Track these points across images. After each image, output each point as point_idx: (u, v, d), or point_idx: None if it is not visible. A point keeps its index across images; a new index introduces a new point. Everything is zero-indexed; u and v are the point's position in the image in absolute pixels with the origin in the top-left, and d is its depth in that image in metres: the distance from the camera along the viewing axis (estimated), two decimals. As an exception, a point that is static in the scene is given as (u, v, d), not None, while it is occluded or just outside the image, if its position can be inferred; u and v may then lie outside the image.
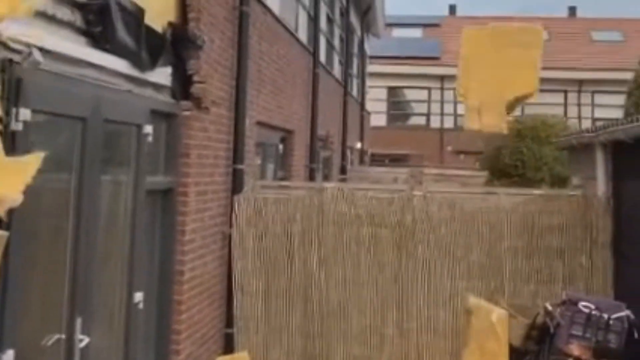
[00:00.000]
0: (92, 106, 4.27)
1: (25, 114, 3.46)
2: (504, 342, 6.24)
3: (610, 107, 25.00)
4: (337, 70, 17.15)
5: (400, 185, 12.66)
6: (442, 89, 31.64)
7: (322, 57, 13.97)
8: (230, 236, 7.52)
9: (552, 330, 6.63)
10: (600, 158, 7.64)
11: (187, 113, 6.16)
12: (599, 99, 31.08)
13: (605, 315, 6.41)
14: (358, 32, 21.56)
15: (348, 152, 18.69)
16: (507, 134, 7.32)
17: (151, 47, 5.17)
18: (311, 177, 12.42)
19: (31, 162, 2.89)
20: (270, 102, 9.33)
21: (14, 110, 3.40)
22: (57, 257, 4.11)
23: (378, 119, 29.96)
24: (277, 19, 9.76)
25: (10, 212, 3.22)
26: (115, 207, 4.90)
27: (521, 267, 7.55)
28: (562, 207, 7.61)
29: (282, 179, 10.68)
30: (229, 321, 7.53)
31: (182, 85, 6.03)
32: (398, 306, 7.55)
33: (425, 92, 32.64)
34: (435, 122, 32.53)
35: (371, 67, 26.97)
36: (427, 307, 7.53)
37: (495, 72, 6.57)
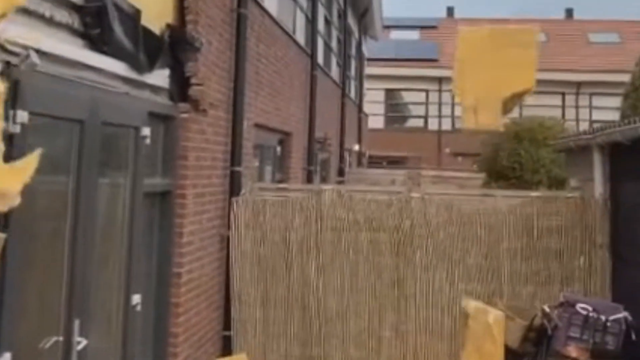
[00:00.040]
0: (89, 108, 4.27)
1: (22, 116, 3.46)
2: (500, 343, 6.25)
3: (608, 109, 25.01)
4: (334, 72, 17.16)
5: (398, 187, 12.66)
6: (439, 91, 31.65)
7: (320, 59, 13.98)
8: (228, 238, 7.52)
9: (549, 332, 6.63)
10: (597, 160, 7.65)
11: (184, 115, 6.15)
12: (597, 101, 31.11)
13: (603, 317, 6.42)
14: (356, 34, 21.58)
15: (346, 154, 18.70)
16: (504, 136, 7.37)
17: (149, 49, 5.17)
18: (309, 180, 12.42)
19: (29, 162, 2.89)
20: (268, 104, 9.34)
21: (11, 112, 3.40)
22: (54, 260, 4.11)
23: (376, 121, 29.96)
24: (275, 21, 9.76)
25: (8, 214, 3.23)
26: (113, 209, 4.89)
27: (519, 269, 7.55)
28: (560, 209, 7.62)
29: (280, 181, 10.68)
30: (227, 323, 7.53)
31: (180, 88, 6.04)
32: (395, 309, 7.55)
33: (423, 94, 32.66)
34: (433, 124, 32.53)
35: (369, 69, 27.00)
36: (424, 309, 7.53)
37: (491, 71, 6.60)
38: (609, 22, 35.47)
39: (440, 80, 30.62)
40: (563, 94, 31.64)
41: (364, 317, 7.54)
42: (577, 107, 31.86)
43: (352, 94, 21.00)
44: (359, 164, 22.81)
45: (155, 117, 5.62)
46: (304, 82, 12.08)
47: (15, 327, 3.57)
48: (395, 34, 33.91)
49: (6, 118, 3.33)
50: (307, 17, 12.88)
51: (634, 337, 6.35)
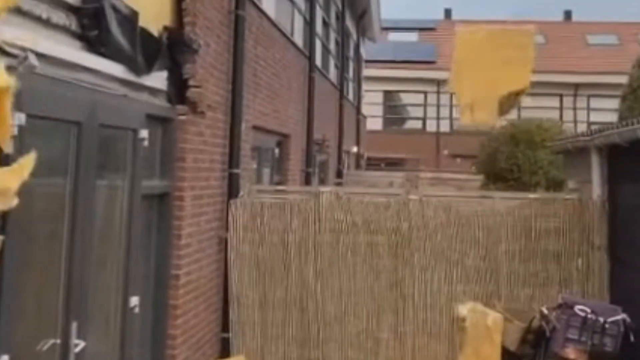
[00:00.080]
0: (87, 110, 4.27)
1: (20, 118, 3.45)
2: (498, 346, 6.25)
3: (606, 111, 25.02)
4: (333, 74, 17.16)
5: (396, 189, 12.66)
6: (438, 92, 31.64)
7: (318, 61, 13.97)
8: (226, 240, 7.51)
9: (548, 334, 6.63)
10: (595, 162, 7.66)
11: (182, 117, 6.15)
12: (595, 102, 31.13)
13: (601, 319, 6.42)
14: (354, 36, 21.59)
15: (344, 156, 18.69)
16: (502, 138, 7.41)
17: (147, 51, 5.16)
18: (307, 181, 12.41)
19: (25, 164, 2.89)
20: (266, 106, 9.34)
21: (9, 114, 3.39)
22: (52, 262, 4.10)
23: (374, 123, 29.95)
24: (273, 23, 9.76)
25: (6, 216, 3.22)
26: (110, 211, 4.89)
27: (517, 271, 7.55)
28: (558, 211, 7.62)
29: (279, 183, 10.67)
30: (225, 325, 7.52)
31: (178, 90, 6.03)
32: (394, 310, 7.54)
33: (421, 95, 32.66)
34: (431, 126, 32.53)
35: (367, 71, 26.99)
36: (423, 311, 7.53)
37: (488, 70, 6.63)
38: (608, 24, 35.49)
39: (438, 82, 30.57)
40: (561, 96, 31.67)
41: (362, 319, 7.54)
42: (575, 108, 31.89)
43: (351, 96, 21.00)
44: (358, 165, 22.81)
45: (153, 119, 5.61)
46: (302, 84, 12.08)
47: (13, 330, 3.56)
48: (393, 36, 33.92)
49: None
50: (305, 19, 12.88)
51: (632, 338, 6.36)
